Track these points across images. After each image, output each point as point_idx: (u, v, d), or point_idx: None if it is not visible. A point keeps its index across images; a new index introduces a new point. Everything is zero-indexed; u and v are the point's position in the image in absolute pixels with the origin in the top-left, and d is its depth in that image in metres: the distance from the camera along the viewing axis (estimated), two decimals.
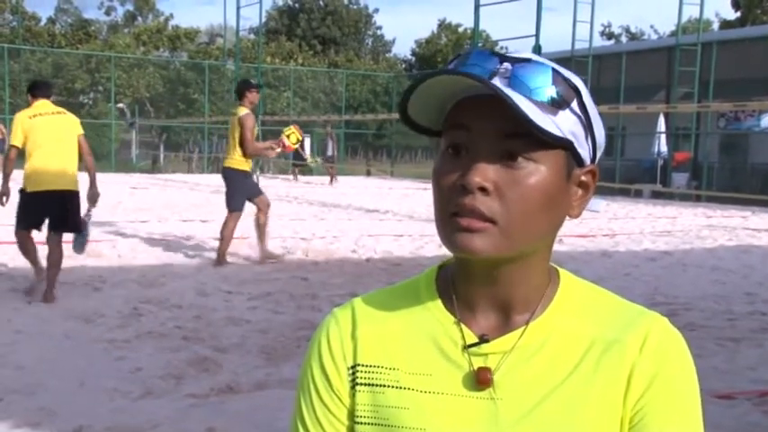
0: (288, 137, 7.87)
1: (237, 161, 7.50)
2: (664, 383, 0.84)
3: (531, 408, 0.84)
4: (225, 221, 7.58)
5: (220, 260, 7.59)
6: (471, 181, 0.79)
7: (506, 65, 0.81)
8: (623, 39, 46.98)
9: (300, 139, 8.19)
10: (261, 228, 7.76)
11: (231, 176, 7.56)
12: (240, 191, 7.54)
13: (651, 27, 62.49)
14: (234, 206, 7.54)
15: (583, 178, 0.86)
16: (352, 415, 0.91)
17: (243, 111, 7.46)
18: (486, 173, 0.80)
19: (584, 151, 0.84)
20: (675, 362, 0.85)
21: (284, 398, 3.74)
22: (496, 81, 0.80)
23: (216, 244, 7.91)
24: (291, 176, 25.20)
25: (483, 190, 0.80)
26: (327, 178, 23.81)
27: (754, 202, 17.16)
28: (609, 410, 0.83)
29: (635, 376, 0.84)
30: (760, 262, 8.89)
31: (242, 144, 7.41)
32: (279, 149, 7.88)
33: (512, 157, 0.80)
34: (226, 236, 7.55)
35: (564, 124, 0.81)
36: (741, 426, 3.55)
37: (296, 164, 24.71)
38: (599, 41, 35.96)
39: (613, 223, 12.86)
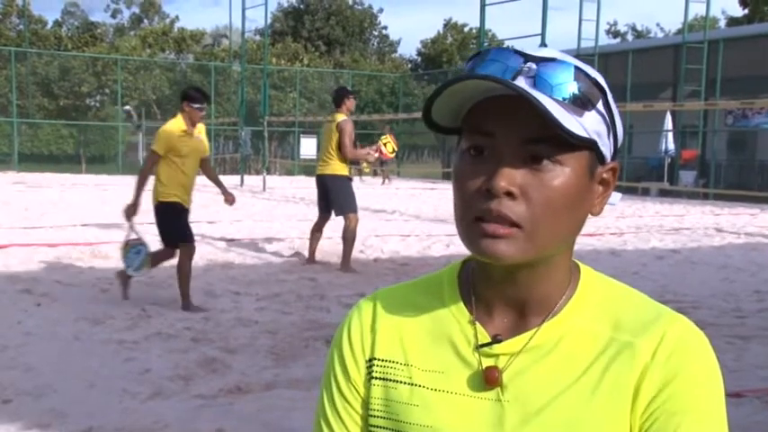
0: (385, 145, 8.04)
1: (338, 167, 7.59)
2: (677, 387, 0.81)
3: (537, 411, 0.82)
4: (346, 226, 7.61)
5: (346, 265, 7.61)
6: (498, 186, 0.78)
7: (530, 64, 0.79)
8: (629, 37, 46.88)
9: (396, 149, 8.32)
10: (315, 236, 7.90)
11: (334, 182, 7.63)
12: (349, 193, 7.64)
13: (657, 25, 62.37)
14: (350, 208, 7.63)
15: (604, 176, 0.86)
16: (366, 407, 0.92)
17: (341, 116, 7.58)
18: (512, 177, 0.79)
19: (607, 149, 0.84)
20: (691, 365, 0.82)
21: (293, 398, 3.75)
22: (521, 81, 0.78)
23: (223, 245, 7.88)
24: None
25: (509, 194, 0.79)
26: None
27: (763, 200, 17.09)
28: (616, 416, 0.81)
29: (645, 381, 0.81)
30: None
31: (340, 149, 7.52)
32: (376, 155, 7.95)
33: (537, 159, 0.79)
34: (350, 238, 7.63)
35: (589, 124, 0.80)
36: (750, 424, 3.53)
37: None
38: (605, 40, 35.94)
39: (621, 222, 12.83)
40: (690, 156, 22.44)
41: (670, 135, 21.39)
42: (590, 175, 0.83)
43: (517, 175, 0.79)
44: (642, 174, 22.65)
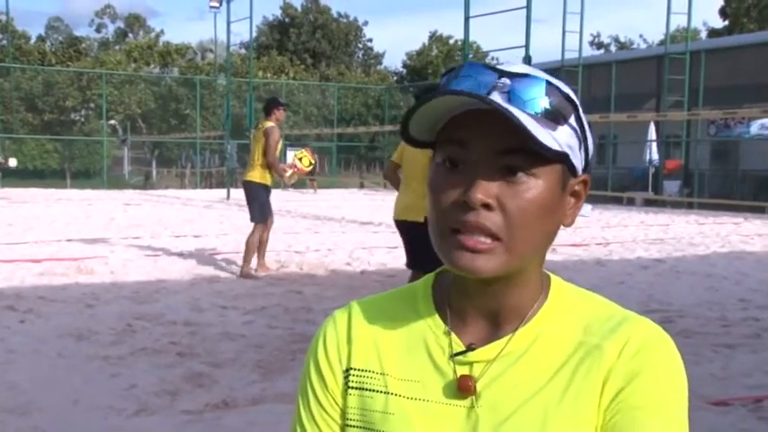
0: (300, 160, 8.20)
1: (259, 174, 7.82)
2: (639, 383, 0.82)
3: (507, 416, 0.84)
4: (250, 233, 7.92)
5: (243, 270, 7.84)
6: (474, 198, 0.79)
7: (504, 79, 0.81)
8: (612, 48, 47.26)
9: (313, 162, 8.56)
10: (262, 243, 8.01)
11: (251, 189, 7.91)
12: (262, 202, 7.88)
13: (640, 36, 62.75)
14: (257, 218, 7.90)
15: (576, 188, 0.88)
16: (343, 416, 0.92)
17: (269, 124, 7.81)
18: (488, 189, 0.80)
19: (578, 162, 0.85)
20: (654, 364, 0.83)
21: (280, 412, 3.73)
22: (495, 96, 0.80)
23: (209, 259, 7.86)
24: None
25: (486, 206, 0.80)
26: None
27: (746, 209, 17.27)
28: (584, 416, 0.83)
29: (610, 380, 0.83)
30: (753, 268, 8.93)
31: (265, 154, 7.73)
32: (290, 171, 8.14)
33: (511, 171, 0.80)
34: (250, 245, 7.84)
35: (562, 138, 0.81)
36: None
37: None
38: (589, 51, 36.17)
39: (606, 232, 12.89)
40: (674, 165, 22.62)
41: (654, 145, 21.56)
42: (562, 188, 0.84)
43: (493, 187, 0.80)
44: (627, 184, 22.81)
